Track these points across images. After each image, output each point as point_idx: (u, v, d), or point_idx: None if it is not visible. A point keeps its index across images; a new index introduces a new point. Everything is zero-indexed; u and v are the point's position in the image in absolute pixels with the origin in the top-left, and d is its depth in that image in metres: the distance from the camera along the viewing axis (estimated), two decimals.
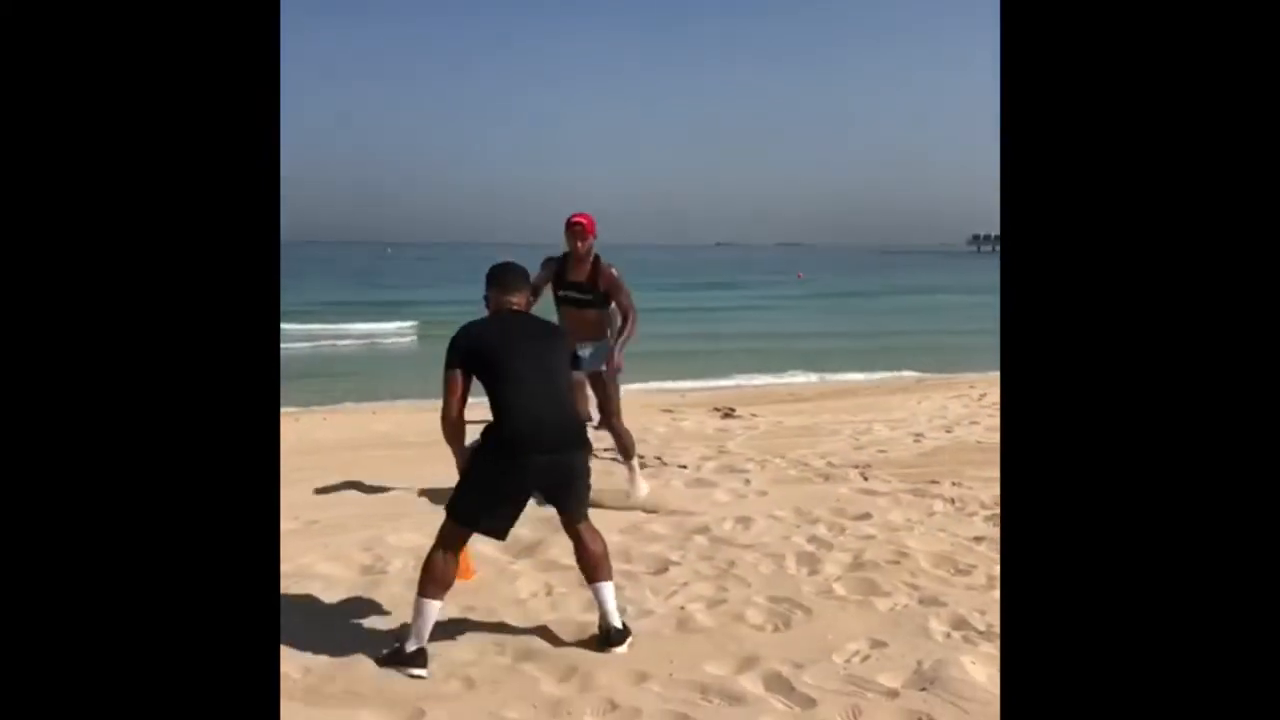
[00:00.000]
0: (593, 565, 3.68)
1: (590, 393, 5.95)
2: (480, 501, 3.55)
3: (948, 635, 3.70)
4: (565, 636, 3.71)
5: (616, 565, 4.59)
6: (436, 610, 3.49)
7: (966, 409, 10.69)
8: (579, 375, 5.26)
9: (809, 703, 3.14)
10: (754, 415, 10.22)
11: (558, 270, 5.78)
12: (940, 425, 9.41)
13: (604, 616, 3.66)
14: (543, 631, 3.76)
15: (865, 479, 6.55)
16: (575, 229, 5.69)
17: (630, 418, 10.07)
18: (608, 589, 3.67)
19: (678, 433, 9.00)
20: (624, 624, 3.68)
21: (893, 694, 3.20)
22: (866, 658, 3.50)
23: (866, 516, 5.44)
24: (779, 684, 3.28)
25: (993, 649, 3.53)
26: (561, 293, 5.78)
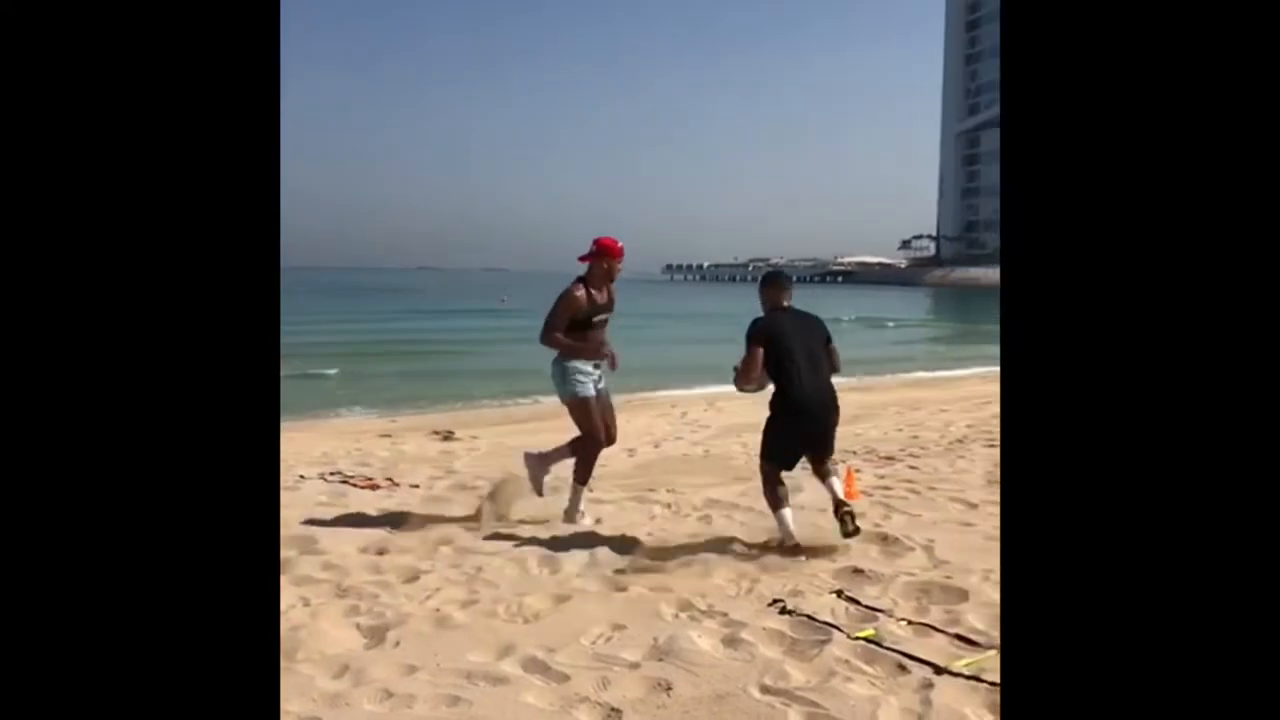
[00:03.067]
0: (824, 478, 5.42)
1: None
2: (780, 448, 5.33)
3: (676, 615, 4.25)
4: (327, 643, 3.92)
5: (368, 577, 4.84)
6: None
7: (671, 426, 11.55)
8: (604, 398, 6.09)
9: (563, 678, 3.57)
10: (474, 437, 10.54)
11: (587, 297, 5.85)
12: (649, 441, 10.14)
13: (833, 497, 5.30)
14: (307, 638, 3.95)
15: (590, 490, 7.07)
16: (619, 253, 5.92)
17: (346, 443, 10.14)
18: (837, 483, 5.38)
19: (401, 455, 9.18)
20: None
21: (635, 665, 3.69)
22: (609, 639, 3.98)
23: (597, 522, 5.98)
24: (535, 665, 3.68)
25: (714, 624, 4.11)
26: (596, 317, 5.89)
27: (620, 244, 5.92)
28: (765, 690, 3.46)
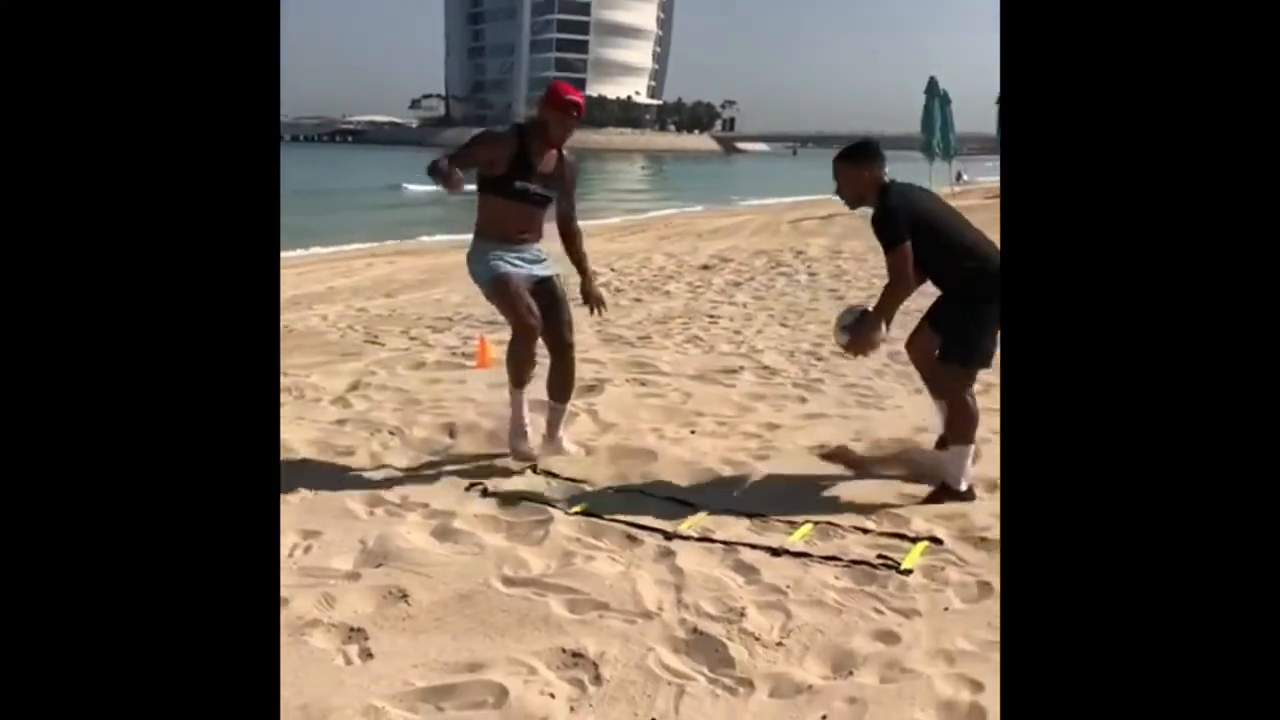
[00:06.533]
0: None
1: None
2: (992, 346, 3.90)
3: (371, 513, 3.81)
4: None
5: None
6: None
7: None
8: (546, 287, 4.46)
9: (281, 603, 3.05)
10: None
11: (516, 154, 4.21)
12: None
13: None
14: None
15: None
16: (574, 108, 4.26)
17: None
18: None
19: None
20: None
21: (354, 576, 3.25)
22: (308, 548, 3.47)
23: None
24: None
25: (419, 517, 3.75)
26: (519, 183, 4.23)
27: (572, 95, 4.32)
28: (510, 582, 3.21)
